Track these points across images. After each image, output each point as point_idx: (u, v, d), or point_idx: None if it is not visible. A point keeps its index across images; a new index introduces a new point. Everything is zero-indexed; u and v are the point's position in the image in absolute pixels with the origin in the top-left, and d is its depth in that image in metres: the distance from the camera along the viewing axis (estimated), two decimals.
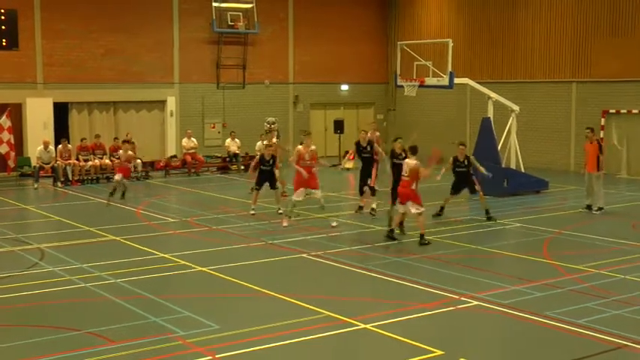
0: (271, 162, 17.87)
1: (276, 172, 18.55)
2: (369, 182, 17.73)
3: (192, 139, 26.96)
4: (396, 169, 15.90)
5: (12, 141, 23.65)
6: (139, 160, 24.76)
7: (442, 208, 17.59)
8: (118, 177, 20.20)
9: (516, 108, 22.40)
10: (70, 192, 22.45)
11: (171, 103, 28.23)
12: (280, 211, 17.46)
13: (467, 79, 23.41)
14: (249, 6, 29.00)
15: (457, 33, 28.84)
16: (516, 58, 28.33)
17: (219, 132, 29.23)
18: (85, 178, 24.17)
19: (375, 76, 32.65)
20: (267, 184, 17.95)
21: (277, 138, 20.33)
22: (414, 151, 14.83)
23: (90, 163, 24.37)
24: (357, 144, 18.20)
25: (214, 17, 28.37)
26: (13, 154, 23.77)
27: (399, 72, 23.17)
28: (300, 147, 16.80)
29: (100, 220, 17.26)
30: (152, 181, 24.86)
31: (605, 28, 25.77)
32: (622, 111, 25.44)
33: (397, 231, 15.11)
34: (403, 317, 9.97)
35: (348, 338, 9.35)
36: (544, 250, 14.18)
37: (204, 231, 16.23)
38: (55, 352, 8.71)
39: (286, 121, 30.34)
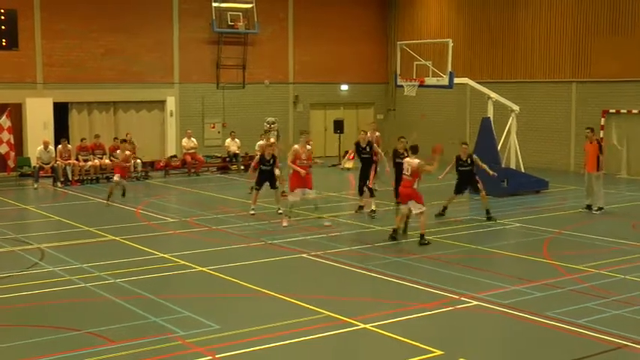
0: (271, 162, 17.86)
1: (277, 171, 18.55)
2: (367, 183, 17.73)
3: (192, 139, 26.95)
4: (399, 168, 15.91)
5: (12, 141, 23.65)
6: (138, 160, 24.78)
7: (445, 208, 17.57)
8: (116, 178, 20.13)
9: (516, 108, 22.39)
10: (70, 192, 22.45)
11: (171, 103, 28.23)
12: (280, 211, 17.45)
13: (467, 79, 23.40)
14: (249, 6, 29.00)
15: (457, 33, 28.84)
16: (516, 58, 28.33)
17: (219, 132, 29.23)
18: (85, 178, 24.16)
19: (375, 76, 32.66)
20: (267, 183, 17.94)
21: (277, 138, 20.33)
22: (414, 150, 14.85)
23: (90, 163, 24.37)
24: (357, 144, 18.19)
25: (214, 17, 28.37)
26: (12, 154, 23.77)
27: (398, 72, 23.16)
28: (296, 146, 16.79)
29: (100, 220, 17.26)
30: (152, 181, 24.85)
31: (605, 27, 25.77)
32: (622, 111, 25.44)
33: (400, 231, 15.08)
34: (403, 317, 9.97)
35: (348, 338, 9.35)
36: (544, 250, 14.18)
37: (203, 231, 16.23)
38: (55, 352, 8.71)
39: (286, 121, 30.34)
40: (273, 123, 24.54)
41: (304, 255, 13.78)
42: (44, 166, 23.61)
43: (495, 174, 17.96)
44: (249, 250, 14.26)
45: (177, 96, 28.36)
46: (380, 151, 18.28)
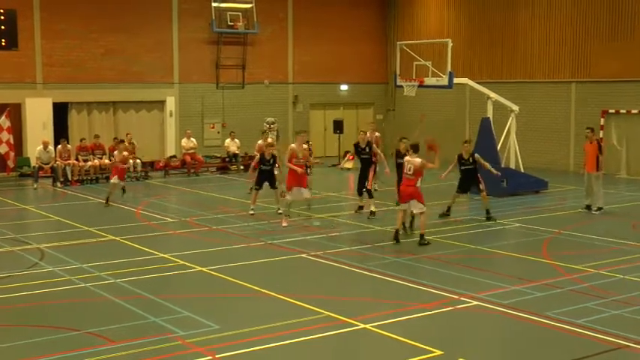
0: (271, 162, 17.86)
1: (276, 171, 18.54)
2: (366, 184, 17.72)
3: (192, 139, 26.94)
4: (401, 169, 15.90)
5: (11, 141, 23.67)
6: (138, 160, 24.77)
7: (449, 208, 17.53)
8: (114, 180, 19.94)
9: (516, 108, 22.40)
10: (70, 192, 22.45)
11: (171, 103, 28.23)
12: (280, 211, 17.45)
13: (466, 79, 23.42)
14: (248, 6, 29.00)
15: (457, 33, 28.85)
16: (516, 58, 28.33)
17: (218, 132, 29.23)
18: (85, 178, 24.15)
19: (375, 76, 32.66)
20: (266, 183, 17.94)
21: (277, 138, 20.33)
22: (415, 149, 14.82)
23: (89, 163, 24.36)
24: (356, 145, 18.18)
25: (214, 17, 28.37)
26: (12, 154, 23.79)
27: (398, 72, 23.17)
28: (293, 145, 16.79)
29: (100, 220, 17.26)
30: (151, 182, 24.86)
31: (604, 28, 25.77)
32: (621, 111, 25.45)
33: (401, 231, 15.07)
34: (403, 317, 9.98)
35: (348, 338, 9.35)
36: (544, 250, 14.19)
37: (203, 231, 16.23)
38: (55, 352, 8.71)
39: (286, 121, 30.34)
40: (273, 123, 24.58)
41: (304, 255, 13.78)
42: (44, 166, 23.61)
43: (499, 173, 17.98)
44: (249, 250, 14.26)
45: (177, 96, 28.36)
46: (379, 151, 18.27)
